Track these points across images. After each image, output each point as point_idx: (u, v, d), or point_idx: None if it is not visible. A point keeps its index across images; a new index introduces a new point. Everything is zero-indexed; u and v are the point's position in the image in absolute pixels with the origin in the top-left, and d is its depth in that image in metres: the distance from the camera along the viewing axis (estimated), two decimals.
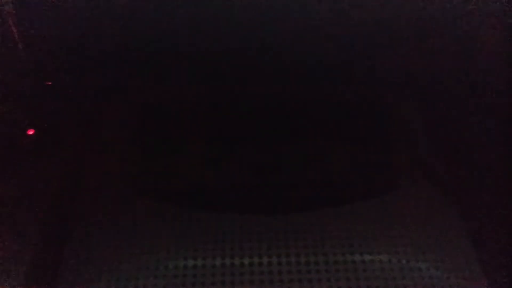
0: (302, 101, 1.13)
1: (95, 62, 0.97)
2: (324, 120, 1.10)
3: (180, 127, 1.09)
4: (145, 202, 0.94)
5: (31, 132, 0.94)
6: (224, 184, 0.99)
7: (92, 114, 1.10)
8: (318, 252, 0.84)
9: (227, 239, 0.87)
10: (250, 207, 0.93)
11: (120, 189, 0.98)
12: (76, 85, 1.01)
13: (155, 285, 0.81)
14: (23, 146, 0.93)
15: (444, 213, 0.92)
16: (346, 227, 0.88)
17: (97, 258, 0.85)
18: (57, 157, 0.97)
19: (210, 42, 0.93)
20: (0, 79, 0.88)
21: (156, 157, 1.04)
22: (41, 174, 0.93)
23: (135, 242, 0.87)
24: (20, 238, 0.83)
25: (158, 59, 0.98)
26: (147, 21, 0.89)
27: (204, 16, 0.86)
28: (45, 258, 0.84)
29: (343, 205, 0.93)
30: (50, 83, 0.94)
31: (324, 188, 0.98)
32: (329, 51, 0.95)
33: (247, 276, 0.82)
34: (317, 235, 0.87)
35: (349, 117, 1.11)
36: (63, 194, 0.95)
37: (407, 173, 1.00)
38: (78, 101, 1.05)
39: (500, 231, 0.85)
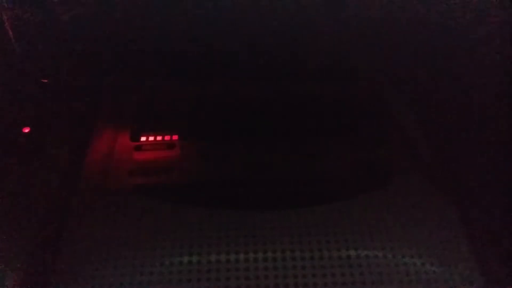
0: (297, 99, 1.14)
1: (91, 60, 0.97)
2: (319, 118, 1.10)
3: (176, 124, 1.10)
4: (141, 199, 0.95)
5: (26, 130, 0.94)
6: (220, 180, 0.99)
7: (88, 112, 1.10)
8: (313, 247, 0.85)
9: (223, 236, 0.87)
10: (245, 204, 0.93)
11: (116, 186, 0.98)
12: (72, 83, 1.02)
13: (151, 282, 0.81)
14: (18, 144, 0.93)
15: (439, 209, 0.92)
16: (341, 223, 0.89)
17: (93, 255, 0.85)
18: (52, 155, 0.97)
19: (204, 40, 0.94)
20: None
21: (153, 154, 1.05)
22: (37, 172, 0.93)
23: (130, 239, 0.87)
24: (17, 234, 0.83)
25: (156, 57, 0.98)
26: (143, 19, 0.89)
27: (205, 16, 0.87)
28: (42, 253, 0.85)
29: (338, 201, 0.93)
30: (46, 80, 0.95)
31: (320, 185, 0.99)
32: (323, 49, 0.96)
33: (242, 272, 0.82)
34: (312, 230, 0.87)
35: (344, 114, 1.12)
36: (60, 191, 0.95)
37: (402, 169, 1.01)
38: (74, 99, 1.06)
39: (494, 225, 0.85)
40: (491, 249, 0.85)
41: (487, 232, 0.87)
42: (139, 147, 1.06)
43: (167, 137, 1.08)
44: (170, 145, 1.06)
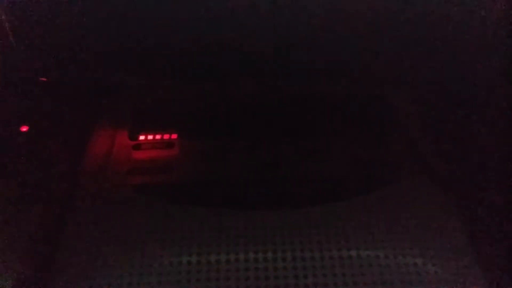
0: (298, 99, 1.14)
1: (90, 59, 0.96)
2: (323, 117, 1.10)
3: (175, 123, 1.10)
4: (140, 198, 0.94)
5: (24, 129, 0.94)
6: (220, 180, 0.99)
7: (87, 111, 1.10)
8: (314, 247, 0.84)
9: (222, 235, 0.87)
10: (246, 204, 0.93)
11: (115, 185, 0.98)
12: (71, 82, 1.01)
13: (150, 282, 0.81)
14: (16, 143, 0.93)
15: (441, 209, 0.92)
16: (342, 222, 0.88)
17: (92, 255, 0.84)
18: (50, 154, 0.96)
19: (208, 38, 0.93)
20: None
21: (152, 153, 1.05)
22: (35, 172, 0.92)
23: (129, 239, 0.87)
24: (16, 233, 0.83)
25: (158, 56, 0.98)
26: (145, 18, 0.89)
27: (205, 14, 0.86)
28: (42, 253, 0.84)
29: (340, 201, 0.93)
30: (45, 79, 0.94)
31: (321, 184, 0.98)
32: (323, 48, 0.95)
33: (242, 272, 0.82)
34: (313, 230, 0.87)
35: (348, 114, 1.12)
36: (58, 190, 0.95)
37: (404, 168, 1.00)
38: (73, 98, 1.05)
39: (497, 226, 0.85)
40: (492, 249, 0.84)
41: (488, 232, 0.86)
42: (138, 146, 1.05)
43: (166, 136, 1.07)
44: (169, 144, 1.06)
